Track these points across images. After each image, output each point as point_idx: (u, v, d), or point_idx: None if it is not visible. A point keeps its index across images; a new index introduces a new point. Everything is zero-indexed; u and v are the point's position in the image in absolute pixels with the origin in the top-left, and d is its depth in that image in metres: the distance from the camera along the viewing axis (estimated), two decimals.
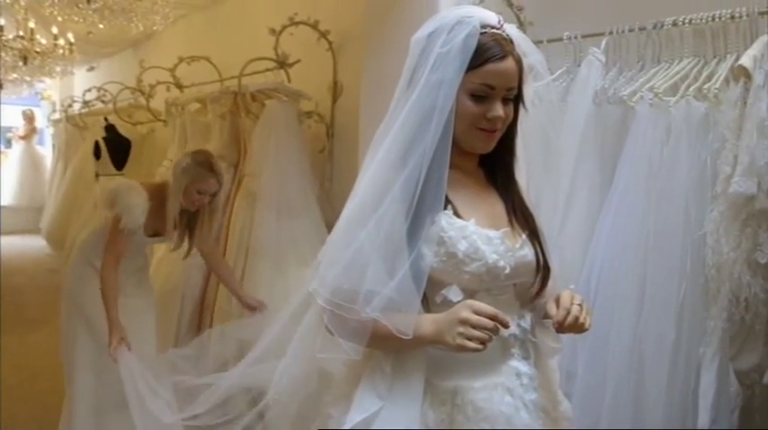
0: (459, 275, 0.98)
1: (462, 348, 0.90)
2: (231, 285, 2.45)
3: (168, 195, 2.13)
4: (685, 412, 1.40)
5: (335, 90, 3.09)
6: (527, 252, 1.03)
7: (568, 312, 1.00)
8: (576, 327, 1.01)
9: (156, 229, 2.16)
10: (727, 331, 1.35)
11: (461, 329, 0.90)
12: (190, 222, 2.23)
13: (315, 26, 3.01)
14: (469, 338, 0.90)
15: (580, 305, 1.01)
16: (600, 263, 1.55)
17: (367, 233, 0.95)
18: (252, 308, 2.34)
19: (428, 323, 0.94)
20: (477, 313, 0.91)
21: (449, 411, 0.98)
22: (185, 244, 2.30)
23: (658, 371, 1.42)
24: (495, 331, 0.91)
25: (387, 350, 0.98)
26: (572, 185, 1.66)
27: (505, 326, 0.93)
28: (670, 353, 1.41)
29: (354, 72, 2.73)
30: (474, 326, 0.90)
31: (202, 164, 2.14)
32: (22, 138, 8.48)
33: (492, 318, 0.91)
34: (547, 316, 1.06)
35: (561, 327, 1.01)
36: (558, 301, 1.03)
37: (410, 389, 0.97)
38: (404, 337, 0.92)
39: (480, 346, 0.90)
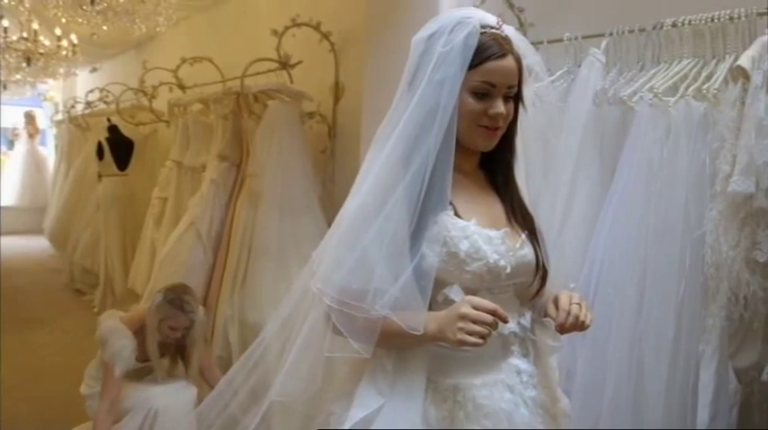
0: (460, 275, 0.99)
1: (463, 343, 0.92)
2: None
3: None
4: (685, 410, 1.41)
5: (337, 91, 3.10)
6: (527, 252, 1.05)
7: (568, 313, 1.01)
8: (578, 326, 1.02)
9: (145, 357, 2.21)
10: (726, 329, 1.36)
11: (461, 324, 0.91)
12: (178, 348, 2.28)
13: (317, 27, 3.02)
14: (470, 333, 0.91)
15: (579, 304, 1.02)
16: (600, 262, 1.56)
17: (373, 233, 0.96)
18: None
19: (430, 320, 0.95)
20: (477, 308, 0.92)
21: (450, 408, 1.00)
22: (180, 365, 2.34)
23: (658, 369, 1.43)
24: (494, 326, 0.93)
25: (392, 347, 1.00)
26: (572, 185, 1.67)
27: (504, 321, 0.94)
28: (669, 352, 1.42)
29: (356, 73, 2.75)
30: (474, 321, 0.91)
31: (172, 301, 2.21)
32: (30, 136, 8.50)
33: (491, 312, 0.92)
34: (547, 315, 1.07)
35: (563, 329, 1.03)
36: (556, 303, 1.04)
37: (411, 386, 0.99)
38: (414, 333, 0.93)
39: (480, 341, 0.92)
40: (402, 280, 0.95)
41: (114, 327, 2.17)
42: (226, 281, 2.84)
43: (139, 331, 2.18)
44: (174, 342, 2.23)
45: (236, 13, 4.30)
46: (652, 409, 1.43)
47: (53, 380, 3.20)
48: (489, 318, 0.92)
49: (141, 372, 2.25)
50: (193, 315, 2.23)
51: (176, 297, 2.22)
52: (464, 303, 0.93)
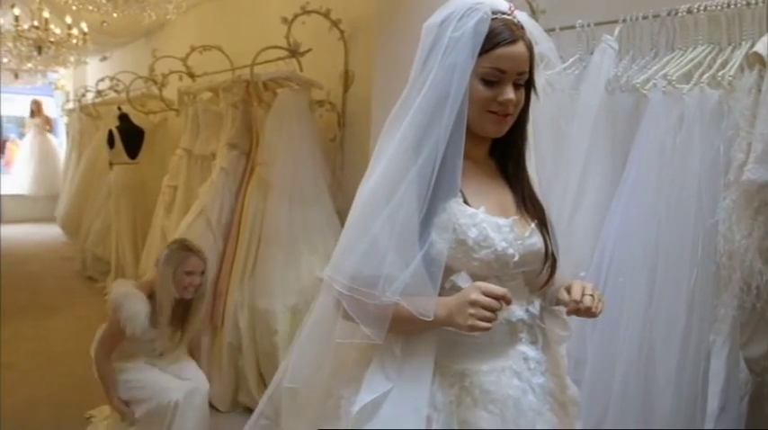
0: (468, 262, 0.99)
1: (474, 328, 0.93)
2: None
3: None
4: (695, 399, 1.41)
5: (347, 79, 3.09)
6: (536, 240, 1.05)
7: (579, 303, 1.01)
8: (588, 314, 1.03)
9: (157, 322, 2.18)
10: (738, 318, 1.35)
11: (472, 310, 0.92)
12: (184, 313, 2.24)
13: (326, 15, 3.01)
14: (480, 319, 0.92)
15: (592, 295, 1.02)
16: (611, 250, 1.55)
17: (383, 220, 0.96)
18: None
19: (440, 306, 0.96)
20: (486, 294, 0.93)
21: (457, 393, 1.00)
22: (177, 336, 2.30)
23: (668, 358, 1.43)
24: (499, 310, 0.94)
25: (402, 332, 1.00)
26: (584, 173, 1.66)
27: (508, 303, 0.95)
28: (680, 340, 1.42)
29: (366, 61, 2.74)
30: (484, 307, 0.92)
31: (182, 247, 2.22)
32: (42, 125, 8.57)
33: (500, 297, 0.93)
34: (558, 302, 1.08)
35: (575, 314, 1.03)
36: (569, 290, 1.04)
37: (419, 371, 0.99)
38: (425, 319, 0.94)
39: (490, 326, 0.92)
40: (412, 266, 0.95)
41: (128, 292, 2.17)
42: (236, 268, 2.86)
43: (153, 296, 2.16)
44: (191, 294, 2.18)
45: (246, 1, 4.28)
46: (662, 398, 1.43)
47: (67, 364, 3.25)
48: (498, 304, 0.93)
49: (140, 348, 2.21)
50: (203, 255, 2.22)
51: (182, 244, 2.24)
52: (474, 289, 0.94)
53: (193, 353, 2.40)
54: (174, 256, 2.16)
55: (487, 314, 0.92)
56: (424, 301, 0.95)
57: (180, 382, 2.19)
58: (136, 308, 2.11)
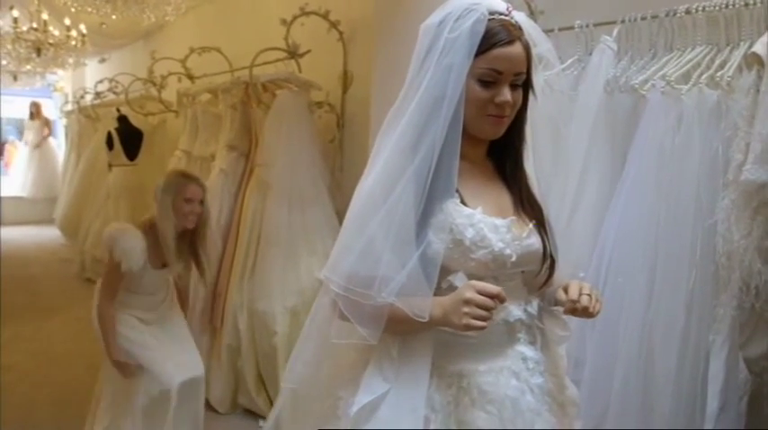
0: (465, 262, 0.99)
1: (469, 327, 0.92)
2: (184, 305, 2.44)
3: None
4: (694, 399, 1.41)
5: (346, 80, 3.09)
6: (534, 241, 1.04)
7: (576, 302, 1.01)
8: (586, 314, 1.03)
9: (162, 262, 2.17)
10: (737, 318, 1.35)
11: (467, 309, 0.92)
12: (192, 246, 2.21)
13: (325, 16, 3.01)
14: (475, 318, 0.92)
15: (589, 295, 1.02)
16: (610, 250, 1.55)
17: (380, 220, 0.96)
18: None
19: (435, 306, 0.96)
20: (481, 293, 0.93)
21: (454, 394, 1.00)
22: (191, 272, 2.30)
23: (667, 359, 1.43)
24: (494, 308, 0.94)
25: (398, 333, 1.00)
26: (583, 173, 1.66)
27: (503, 302, 0.95)
28: (679, 341, 1.42)
29: (365, 62, 2.74)
30: (478, 306, 0.92)
31: (178, 175, 2.19)
32: (46, 129, 8.55)
33: (494, 296, 0.93)
34: (557, 303, 1.07)
35: (571, 314, 1.03)
36: (566, 290, 1.04)
37: (416, 373, 0.99)
38: (420, 320, 0.94)
39: (485, 324, 0.92)
40: (408, 267, 0.95)
41: (122, 227, 2.14)
42: (235, 269, 2.86)
43: (150, 232, 2.11)
44: (193, 223, 2.13)
45: (245, 3, 4.29)
46: (661, 398, 1.43)
47: (67, 366, 3.25)
48: (492, 302, 0.93)
49: (140, 301, 2.17)
50: (202, 182, 2.18)
51: (179, 172, 2.19)
52: (468, 288, 0.94)
53: (181, 296, 2.35)
54: (172, 184, 2.12)
55: (482, 313, 0.92)
56: (420, 302, 0.95)
57: (177, 369, 2.13)
58: (131, 243, 2.06)
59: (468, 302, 0.92)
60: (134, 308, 2.16)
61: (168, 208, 2.09)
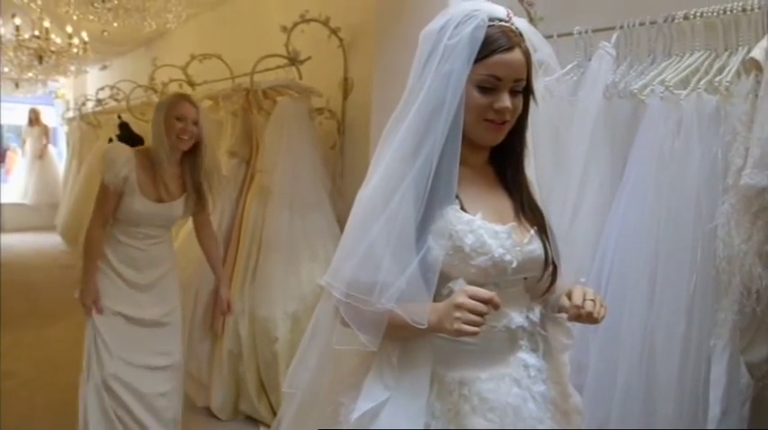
0: (465, 269, 0.99)
1: (460, 332, 0.91)
2: (217, 269, 2.39)
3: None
4: (696, 404, 1.40)
5: (346, 86, 3.10)
6: (535, 247, 1.04)
7: (580, 308, 1.01)
8: (590, 320, 1.02)
9: (160, 195, 2.09)
10: (738, 323, 1.35)
11: (458, 314, 0.91)
12: (191, 173, 2.14)
13: (326, 23, 3.02)
14: (466, 323, 0.91)
15: (593, 300, 1.01)
16: (611, 255, 1.55)
17: (380, 226, 0.96)
18: (222, 308, 2.36)
19: (432, 312, 0.95)
20: (473, 297, 0.92)
21: (455, 401, 0.99)
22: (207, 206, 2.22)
23: (669, 364, 1.42)
24: (486, 314, 0.92)
25: (397, 339, 1.00)
26: (583, 179, 1.66)
27: (496, 308, 0.94)
28: (681, 346, 1.42)
29: (365, 68, 2.75)
30: (470, 311, 0.91)
31: (173, 95, 2.15)
32: (44, 137, 8.56)
33: (487, 301, 0.92)
34: (561, 310, 1.07)
35: (576, 320, 1.03)
36: (570, 296, 1.04)
37: (417, 380, 0.99)
38: (419, 327, 0.94)
39: (477, 330, 0.92)
40: (408, 273, 0.95)
41: (113, 145, 2.14)
42: (236, 275, 2.86)
43: (144, 155, 2.06)
44: (186, 144, 2.06)
45: (246, 10, 4.31)
46: (663, 404, 1.42)
47: (68, 372, 3.22)
48: (484, 307, 0.92)
49: (135, 232, 2.09)
50: (197, 104, 2.11)
51: (175, 93, 2.23)
52: (460, 293, 0.93)
53: (202, 235, 2.29)
54: (164, 103, 2.09)
55: (474, 318, 0.91)
56: (418, 308, 0.95)
57: (158, 374, 2.11)
58: (113, 154, 2.03)
59: (459, 307, 0.91)
60: (128, 248, 2.09)
61: (160, 126, 2.04)
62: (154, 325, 2.18)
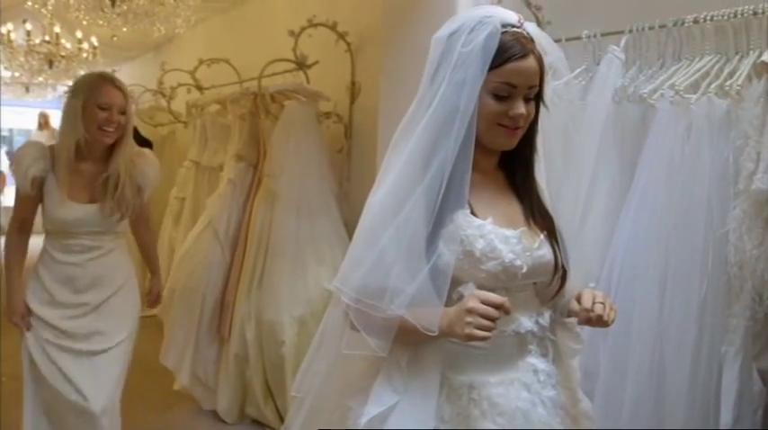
0: (475, 274, 0.99)
1: (471, 337, 0.91)
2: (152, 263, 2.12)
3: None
4: (707, 411, 1.39)
5: (354, 91, 3.11)
6: (545, 252, 1.04)
7: (590, 311, 1.00)
8: (600, 324, 1.02)
9: (92, 195, 1.77)
10: (750, 329, 1.33)
11: (469, 319, 0.91)
12: (114, 178, 1.80)
13: (333, 28, 3.03)
14: (477, 327, 0.91)
15: (603, 303, 1.01)
16: (621, 260, 1.54)
17: (391, 233, 0.96)
18: (153, 297, 2.07)
19: (442, 317, 0.95)
20: (484, 302, 0.92)
21: (464, 405, 0.99)
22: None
23: (680, 370, 1.41)
24: (497, 318, 0.92)
25: (407, 343, 1.00)
26: (592, 183, 1.65)
27: (507, 313, 0.93)
28: (691, 352, 1.40)
29: (372, 73, 2.75)
30: (482, 316, 0.91)
31: (98, 76, 1.76)
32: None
33: (498, 306, 0.92)
34: (570, 313, 1.07)
35: (586, 323, 1.02)
36: (579, 300, 1.03)
37: (426, 384, 0.99)
38: (429, 334, 0.93)
39: (489, 334, 0.91)
40: (419, 279, 0.95)
41: (28, 142, 1.89)
42: (243, 280, 2.86)
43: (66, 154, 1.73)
44: (110, 137, 1.71)
45: (254, 15, 4.33)
46: (674, 410, 1.41)
47: None
48: (495, 312, 0.91)
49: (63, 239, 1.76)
50: (126, 90, 1.76)
51: (100, 73, 1.78)
52: (472, 297, 0.93)
53: (143, 233, 2.00)
54: (83, 86, 1.71)
55: (485, 323, 0.91)
56: (429, 314, 0.95)
57: (92, 391, 1.77)
58: (20, 153, 1.75)
59: (471, 312, 0.91)
60: (64, 266, 1.77)
61: (76, 113, 1.69)
62: (93, 355, 1.82)
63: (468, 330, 0.91)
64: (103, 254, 1.84)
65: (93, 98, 1.71)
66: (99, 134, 1.74)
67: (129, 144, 1.83)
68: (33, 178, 1.74)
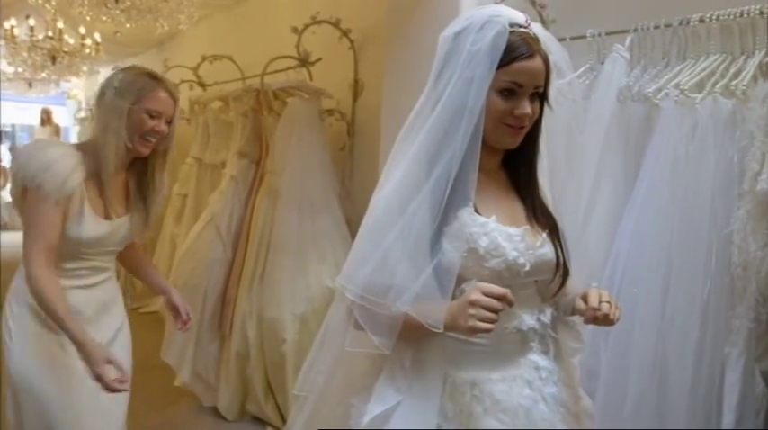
0: (479, 271, 0.99)
1: (474, 329, 0.91)
2: (161, 282, 1.75)
3: (104, 142, 1.43)
4: (709, 412, 1.39)
5: (356, 88, 3.11)
6: (547, 250, 1.04)
7: (597, 310, 1.01)
8: (606, 322, 1.02)
9: (108, 210, 1.49)
10: (753, 331, 1.33)
11: (472, 311, 0.91)
12: (143, 193, 1.56)
13: (336, 25, 3.03)
14: (481, 319, 0.91)
15: (609, 302, 1.02)
16: (624, 260, 1.54)
17: (397, 232, 0.97)
18: (184, 319, 1.65)
19: (446, 312, 0.95)
20: (487, 294, 0.92)
21: (467, 402, 1.00)
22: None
23: (682, 371, 1.41)
24: (500, 310, 0.92)
25: (411, 339, 1.00)
26: (596, 183, 1.65)
27: (510, 304, 0.93)
28: (694, 353, 1.40)
29: (375, 70, 2.75)
30: (484, 308, 0.91)
31: (150, 77, 1.47)
32: (55, 136, 8.63)
33: (501, 297, 0.92)
34: (575, 312, 1.07)
35: (592, 322, 1.03)
36: (585, 299, 1.04)
37: (429, 384, 0.99)
38: (434, 330, 0.93)
39: (491, 327, 0.91)
40: (423, 277, 0.95)
41: (45, 141, 1.39)
42: (244, 276, 2.86)
43: (86, 156, 1.43)
44: (149, 148, 1.47)
45: (257, 12, 4.33)
46: (676, 411, 1.41)
47: None
48: (498, 304, 0.91)
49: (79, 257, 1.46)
50: (177, 94, 1.51)
51: (147, 71, 1.50)
52: (474, 289, 0.93)
53: (138, 256, 1.65)
54: (134, 86, 1.43)
55: (488, 314, 0.91)
56: (433, 309, 0.95)
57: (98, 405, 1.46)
58: (55, 154, 1.39)
59: (473, 304, 0.91)
60: (71, 292, 1.45)
61: (120, 119, 1.41)
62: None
63: (471, 322, 0.91)
64: (110, 276, 1.59)
65: (144, 102, 1.44)
66: (140, 143, 1.46)
67: (166, 161, 1.58)
68: (73, 192, 1.40)
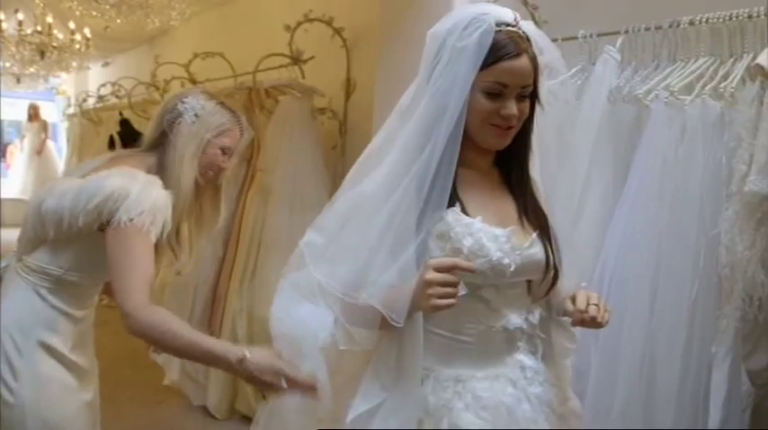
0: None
1: (436, 307, 0.91)
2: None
3: (172, 174, 1.34)
4: (696, 411, 1.40)
5: (349, 87, 3.10)
6: (536, 250, 1.04)
7: (584, 312, 1.01)
8: (594, 325, 1.03)
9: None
10: (740, 330, 1.34)
11: (430, 291, 0.91)
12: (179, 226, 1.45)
13: (329, 23, 3.02)
14: (439, 297, 0.90)
15: (597, 305, 1.02)
16: (613, 261, 1.55)
17: (380, 226, 0.97)
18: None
19: (405, 299, 0.94)
20: (438, 269, 0.91)
21: (449, 398, 1.00)
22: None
23: (670, 370, 1.42)
24: (457, 283, 0.91)
25: (389, 328, 0.98)
26: (586, 184, 1.66)
27: (470, 270, 0.93)
28: (682, 352, 1.41)
29: (368, 69, 2.75)
30: (441, 284, 0.91)
31: (231, 112, 1.40)
32: (43, 133, 8.55)
33: (451, 268, 0.91)
34: (565, 313, 1.07)
35: (580, 324, 1.04)
36: (574, 301, 1.04)
37: (410, 382, 0.98)
38: (395, 325, 0.93)
39: (453, 301, 0.91)
40: (407, 275, 0.95)
41: (149, 179, 1.29)
42: (235, 274, 2.85)
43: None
44: (210, 181, 1.40)
45: (249, 9, 4.31)
46: (663, 410, 1.42)
47: None
48: (453, 277, 0.91)
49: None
50: (243, 126, 1.43)
51: (223, 101, 1.41)
52: (426, 268, 0.92)
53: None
54: (213, 118, 1.34)
55: (446, 290, 0.90)
56: (398, 299, 0.94)
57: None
58: (156, 192, 1.28)
59: (429, 284, 0.91)
60: (83, 324, 1.39)
61: (198, 149, 1.33)
62: None
63: (432, 302, 0.90)
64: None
65: (222, 137, 1.37)
66: (202, 178, 1.38)
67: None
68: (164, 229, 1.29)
